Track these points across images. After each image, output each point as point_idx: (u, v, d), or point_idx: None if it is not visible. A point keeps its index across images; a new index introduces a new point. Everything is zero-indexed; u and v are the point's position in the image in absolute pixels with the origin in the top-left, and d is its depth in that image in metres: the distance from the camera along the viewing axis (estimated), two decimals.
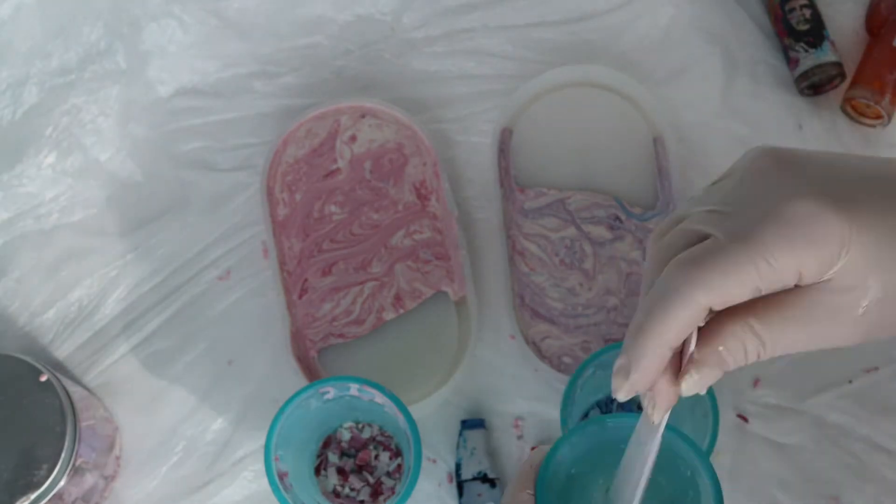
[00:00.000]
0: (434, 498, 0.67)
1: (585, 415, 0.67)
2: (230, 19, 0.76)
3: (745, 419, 0.64)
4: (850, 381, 0.68)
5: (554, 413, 0.68)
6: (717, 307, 0.37)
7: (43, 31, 0.74)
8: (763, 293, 0.37)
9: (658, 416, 0.38)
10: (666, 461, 0.40)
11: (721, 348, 0.38)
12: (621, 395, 0.38)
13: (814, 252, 0.36)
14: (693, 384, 0.38)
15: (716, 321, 0.38)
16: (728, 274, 0.36)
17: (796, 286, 0.38)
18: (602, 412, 0.67)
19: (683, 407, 0.55)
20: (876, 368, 0.68)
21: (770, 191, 0.37)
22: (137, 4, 0.75)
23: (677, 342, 0.38)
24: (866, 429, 0.67)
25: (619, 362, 0.38)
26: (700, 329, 0.38)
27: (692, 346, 0.38)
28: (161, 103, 0.76)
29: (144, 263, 0.72)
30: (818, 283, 0.37)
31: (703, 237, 0.38)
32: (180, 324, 0.71)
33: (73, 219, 0.73)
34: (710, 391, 0.57)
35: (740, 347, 0.38)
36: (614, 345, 0.60)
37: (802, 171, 0.38)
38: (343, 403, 0.65)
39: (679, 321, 0.37)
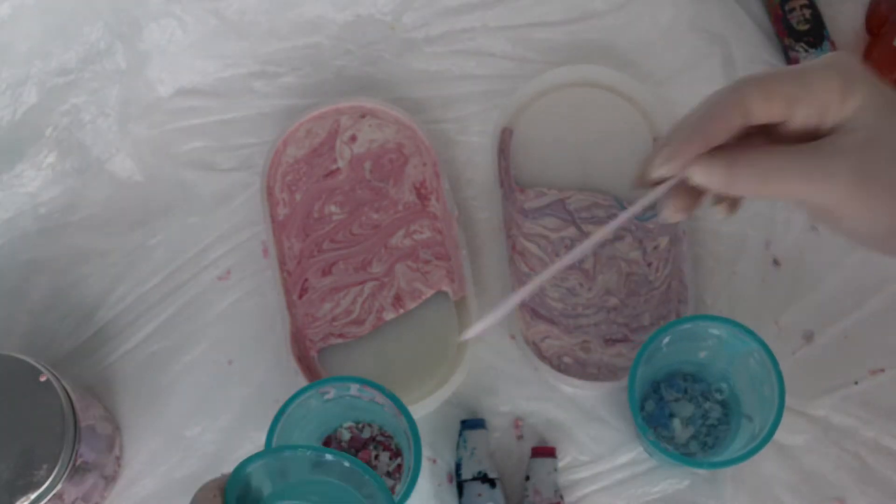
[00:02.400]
0: (434, 498, 0.67)
1: (645, 397, 0.67)
2: (230, 19, 0.76)
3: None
4: (856, 383, 0.68)
5: (554, 413, 0.68)
6: (762, 109, 0.44)
7: (43, 31, 0.74)
8: (794, 118, 0.44)
9: (670, 215, 0.48)
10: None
11: (729, 150, 0.45)
12: (654, 171, 0.46)
13: (841, 79, 0.44)
14: (699, 168, 0.45)
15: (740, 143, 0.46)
16: (776, 82, 0.44)
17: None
18: (656, 393, 0.67)
19: (752, 383, 0.61)
20: (882, 370, 0.68)
21: (827, 56, 0.46)
22: (137, 4, 0.75)
23: (722, 136, 0.45)
24: (872, 431, 0.67)
25: (659, 148, 0.46)
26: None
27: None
28: (161, 103, 0.76)
29: (144, 263, 0.72)
30: (829, 131, 0.44)
31: None
32: (180, 324, 0.71)
33: (73, 219, 0.73)
34: (776, 368, 0.59)
35: (743, 157, 0.45)
36: (675, 322, 0.62)
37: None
38: (343, 404, 0.65)
39: (733, 112, 0.44)
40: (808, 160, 0.44)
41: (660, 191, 0.47)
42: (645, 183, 0.47)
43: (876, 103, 0.44)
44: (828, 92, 0.44)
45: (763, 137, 0.47)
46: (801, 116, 0.45)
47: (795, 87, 0.44)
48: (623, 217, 0.48)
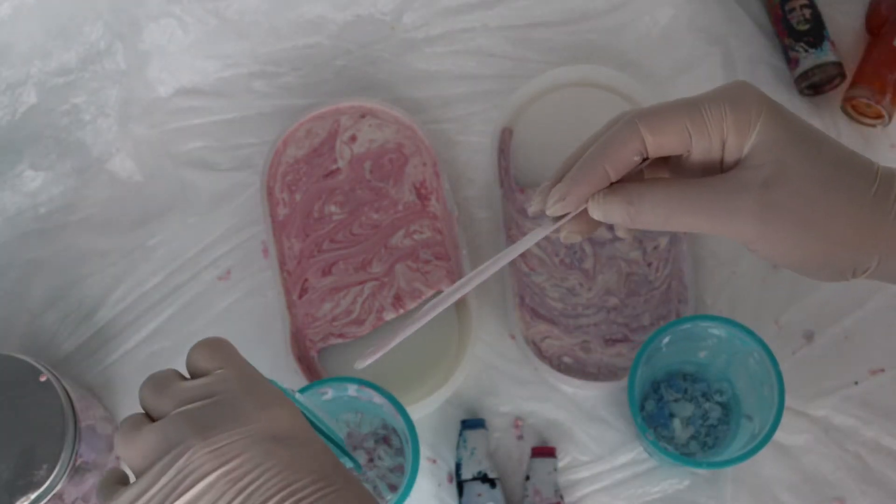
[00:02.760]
0: (434, 498, 0.67)
1: (645, 397, 0.67)
2: (230, 19, 0.76)
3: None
4: (856, 383, 0.68)
5: (554, 413, 0.68)
6: (654, 145, 0.43)
7: (43, 31, 0.74)
8: (692, 152, 0.43)
9: (568, 237, 0.46)
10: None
11: (630, 186, 0.44)
12: (549, 209, 0.45)
13: (734, 110, 0.42)
14: (597, 207, 0.44)
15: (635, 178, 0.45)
16: (666, 116, 0.43)
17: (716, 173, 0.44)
18: (656, 393, 0.67)
19: (752, 383, 0.61)
20: (882, 370, 0.68)
21: (724, 86, 0.44)
22: (137, 4, 0.75)
23: (615, 173, 0.44)
24: (872, 431, 0.67)
25: (555, 185, 0.45)
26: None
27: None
28: (161, 103, 0.76)
29: (144, 263, 0.72)
30: (734, 163, 0.43)
31: None
32: (180, 323, 0.71)
33: (73, 219, 0.73)
34: (776, 368, 0.59)
35: (646, 194, 0.44)
36: (675, 322, 0.61)
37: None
38: (342, 404, 0.65)
39: (623, 149, 0.43)
40: (710, 197, 0.43)
41: (558, 225, 0.46)
42: (543, 213, 0.46)
43: (777, 137, 0.43)
44: (721, 126, 0.43)
45: (667, 169, 0.46)
46: (698, 150, 0.43)
47: (687, 122, 0.43)
48: (528, 240, 0.47)
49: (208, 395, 0.40)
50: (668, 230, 0.45)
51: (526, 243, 0.46)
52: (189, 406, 0.39)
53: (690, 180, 0.44)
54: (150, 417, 0.40)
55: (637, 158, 0.44)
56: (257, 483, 0.38)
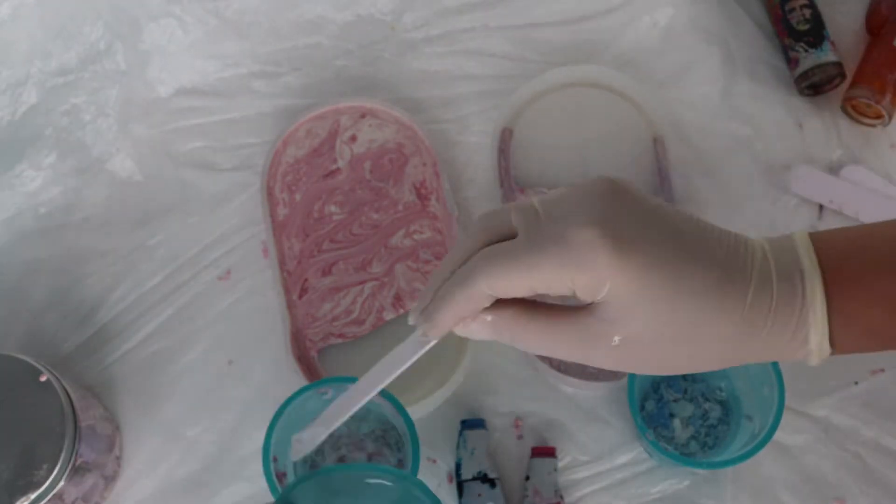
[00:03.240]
0: None
1: (645, 397, 0.67)
2: (230, 19, 0.76)
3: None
4: (856, 383, 0.68)
5: (554, 413, 0.68)
6: (501, 296, 0.42)
7: (43, 31, 0.74)
8: (541, 293, 0.42)
9: (434, 337, 0.46)
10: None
11: (489, 318, 0.44)
12: (419, 328, 0.46)
13: (580, 274, 0.40)
14: (463, 331, 0.45)
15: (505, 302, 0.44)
16: (510, 274, 0.41)
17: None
18: (656, 393, 0.67)
19: (752, 383, 0.61)
20: (882, 370, 0.68)
21: (575, 212, 0.41)
22: (137, 4, 0.75)
23: (468, 313, 0.43)
24: (872, 431, 0.67)
25: (421, 305, 0.45)
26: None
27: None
28: (161, 103, 0.76)
29: (144, 263, 0.72)
30: (590, 305, 0.42)
31: (515, 233, 0.43)
32: (180, 324, 0.71)
33: (73, 219, 0.73)
34: (776, 367, 0.59)
35: (506, 324, 0.44)
36: None
37: (614, 203, 0.41)
38: None
39: (469, 301, 0.43)
40: (572, 336, 0.42)
41: (429, 347, 0.47)
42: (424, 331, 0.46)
43: (628, 299, 0.40)
44: (569, 287, 0.41)
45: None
46: (553, 295, 0.42)
47: (532, 285, 0.42)
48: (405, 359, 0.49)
49: None
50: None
51: (403, 362, 0.48)
52: None
53: (558, 314, 0.43)
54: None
55: (493, 300, 0.43)
56: None
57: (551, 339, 0.43)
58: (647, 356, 0.42)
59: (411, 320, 0.46)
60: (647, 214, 0.41)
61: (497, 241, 0.43)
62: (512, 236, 0.43)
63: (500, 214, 0.43)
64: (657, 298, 0.40)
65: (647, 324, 0.41)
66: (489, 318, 0.44)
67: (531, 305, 0.44)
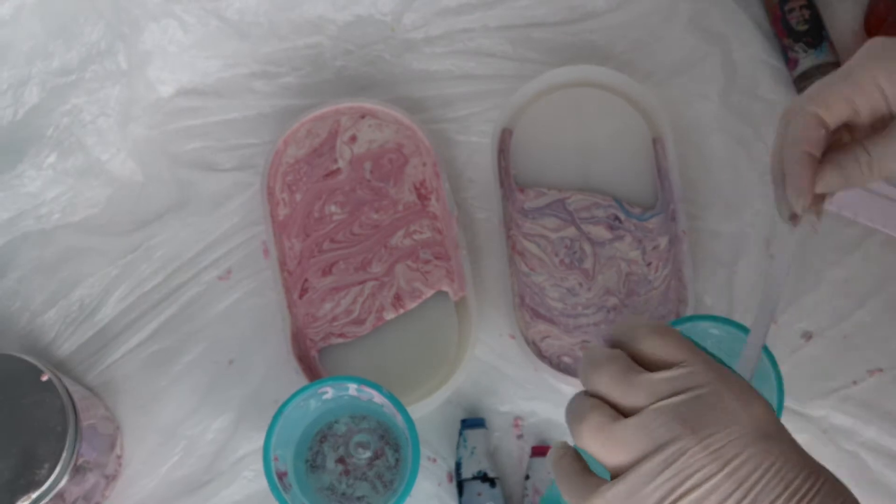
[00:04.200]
0: (434, 497, 0.67)
1: None
2: (230, 19, 0.76)
3: None
4: (855, 383, 0.68)
5: (554, 413, 0.68)
6: (830, 123, 0.48)
7: (44, 31, 0.74)
8: (861, 114, 0.48)
9: (812, 224, 0.50)
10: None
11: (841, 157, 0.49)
12: (796, 206, 0.49)
13: (886, 70, 0.47)
14: (825, 182, 0.49)
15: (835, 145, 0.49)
16: (829, 90, 0.48)
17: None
18: None
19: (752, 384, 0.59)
20: (880, 370, 0.68)
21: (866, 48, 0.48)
22: (138, 4, 0.75)
23: (814, 150, 0.48)
24: (870, 431, 0.67)
25: (778, 193, 0.50)
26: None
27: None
28: (162, 103, 0.76)
29: (145, 263, 0.72)
30: None
31: None
32: (181, 323, 0.71)
33: (74, 219, 0.73)
34: (776, 368, 0.59)
35: (853, 159, 0.48)
36: (674, 322, 0.61)
37: None
38: (342, 403, 0.65)
39: (808, 133, 0.48)
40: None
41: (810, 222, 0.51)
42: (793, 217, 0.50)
43: None
44: (876, 84, 0.47)
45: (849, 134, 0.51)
46: (865, 111, 0.48)
47: (846, 90, 0.48)
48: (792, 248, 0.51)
49: (684, 388, 0.38)
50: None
51: (790, 252, 0.51)
52: (670, 401, 0.38)
53: (877, 138, 0.48)
54: (606, 403, 0.39)
55: (823, 132, 0.48)
56: (761, 483, 0.37)
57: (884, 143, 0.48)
58: None
59: (785, 214, 0.51)
60: None
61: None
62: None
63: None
64: None
65: None
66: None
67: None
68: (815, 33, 0.73)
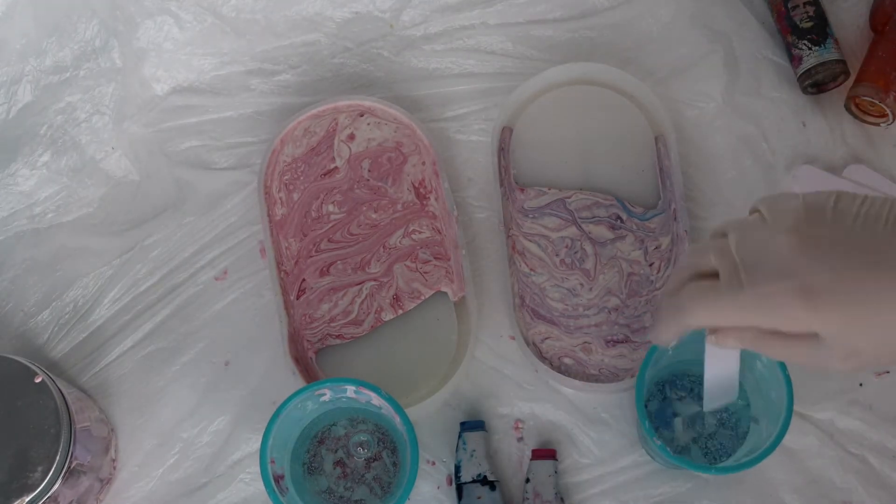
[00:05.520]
0: (433, 500, 0.66)
1: (650, 397, 0.67)
2: (227, 16, 0.76)
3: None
4: (861, 386, 0.67)
5: (554, 415, 0.68)
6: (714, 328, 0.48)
7: (38, 29, 0.73)
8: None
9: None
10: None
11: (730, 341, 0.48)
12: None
13: (786, 327, 0.45)
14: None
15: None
16: (716, 319, 0.47)
17: None
18: (661, 393, 0.67)
19: (759, 386, 0.62)
20: (887, 372, 0.68)
21: (769, 263, 0.44)
22: (133, 1, 0.75)
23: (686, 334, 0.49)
24: (877, 434, 0.66)
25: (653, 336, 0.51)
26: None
27: None
28: (157, 101, 0.75)
29: (140, 263, 0.72)
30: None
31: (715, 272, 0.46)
32: (177, 324, 0.70)
33: (68, 218, 0.73)
34: (785, 372, 0.59)
35: (741, 339, 0.47)
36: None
37: (808, 241, 0.44)
38: (340, 405, 0.64)
39: (686, 329, 0.48)
40: (803, 355, 0.46)
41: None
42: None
43: (835, 333, 0.44)
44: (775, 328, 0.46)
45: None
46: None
47: (741, 328, 0.47)
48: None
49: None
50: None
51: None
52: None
53: (784, 339, 0.46)
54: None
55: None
56: None
57: (787, 355, 0.46)
58: (874, 360, 0.45)
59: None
60: (841, 243, 0.44)
61: (705, 275, 0.47)
62: (717, 274, 0.46)
63: (703, 254, 0.47)
64: (866, 330, 0.43)
65: (864, 347, 0.44)
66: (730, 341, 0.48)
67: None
68: (820, 30, 0.72)
